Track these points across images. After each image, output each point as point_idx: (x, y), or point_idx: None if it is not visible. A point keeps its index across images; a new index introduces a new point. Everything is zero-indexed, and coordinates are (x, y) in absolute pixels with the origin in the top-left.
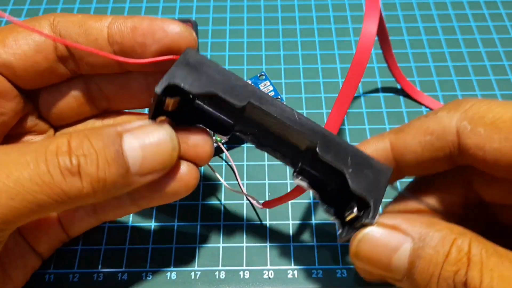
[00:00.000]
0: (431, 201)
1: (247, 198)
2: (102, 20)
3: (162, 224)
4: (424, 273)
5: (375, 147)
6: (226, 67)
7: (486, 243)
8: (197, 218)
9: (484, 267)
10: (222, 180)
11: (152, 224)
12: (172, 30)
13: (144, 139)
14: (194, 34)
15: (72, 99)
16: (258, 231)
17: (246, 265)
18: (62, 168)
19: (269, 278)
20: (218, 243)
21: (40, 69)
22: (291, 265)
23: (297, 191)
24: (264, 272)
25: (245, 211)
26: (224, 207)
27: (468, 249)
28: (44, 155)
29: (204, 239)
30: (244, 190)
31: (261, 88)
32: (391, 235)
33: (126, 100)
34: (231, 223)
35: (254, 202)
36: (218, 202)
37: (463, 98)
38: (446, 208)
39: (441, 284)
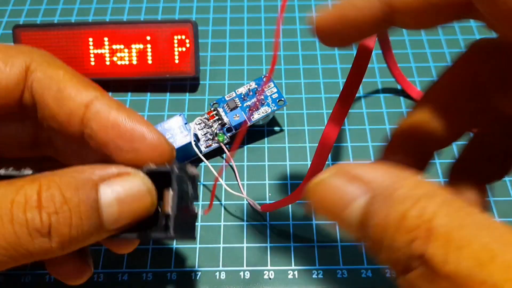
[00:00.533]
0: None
1: (247, 200)
2: (85, 92)
3: None
4: (376, 234)
5: None
6: (227, 67)
7: (463, 210)
8: (197, 218)
9: (451, 243)
10: (222, 182)
11: None
12: (154, 143)
13: (121, 192)
14: (173, 151)
15: (17, 137)
16: (259, 231)
17: (247, 266)
18: (31, 228)
19: (270, 278)
20: (219, 244)
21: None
22: (291, 265)
23: (296, 195)
24: (265, 272)
25: (245, 212)
26: (225, 207)
27: (431, 216)
28: (10, 210)
29: (204, 240)
30: (244, 191)
31: (265, 90)
32: (349, 185)
33: (74, 159)
34: (231, 224)
35: (253, 205)
36: (218, 202)
37: None
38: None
39: (393, 252)
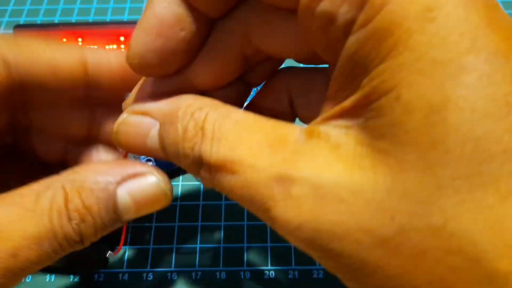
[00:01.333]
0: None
1: None
2: (72, 52)
3: (162, 224)
4: (172, 151)
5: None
6: None
7: (224, 111)
8: (198, 218)
9: (213, 139)
10: None
11: (152, 225)
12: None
13: (137, 195)
14: None
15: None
16: (259, 231)
17: (247, 266)
18: (70, 240)
19: (270, 278)
20: (219, 244)
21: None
22: (292, 265)
23: None
24: (265, 272)
25: (245, 211)
26: (225, 207)
27: (202, 122)
28: (50, 224)
29: (204, 240)
30: None
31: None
32: (142, 120)
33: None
34: (232, 223)
35: None
36: (218, 202)
37: None
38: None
39: (186, 161)
